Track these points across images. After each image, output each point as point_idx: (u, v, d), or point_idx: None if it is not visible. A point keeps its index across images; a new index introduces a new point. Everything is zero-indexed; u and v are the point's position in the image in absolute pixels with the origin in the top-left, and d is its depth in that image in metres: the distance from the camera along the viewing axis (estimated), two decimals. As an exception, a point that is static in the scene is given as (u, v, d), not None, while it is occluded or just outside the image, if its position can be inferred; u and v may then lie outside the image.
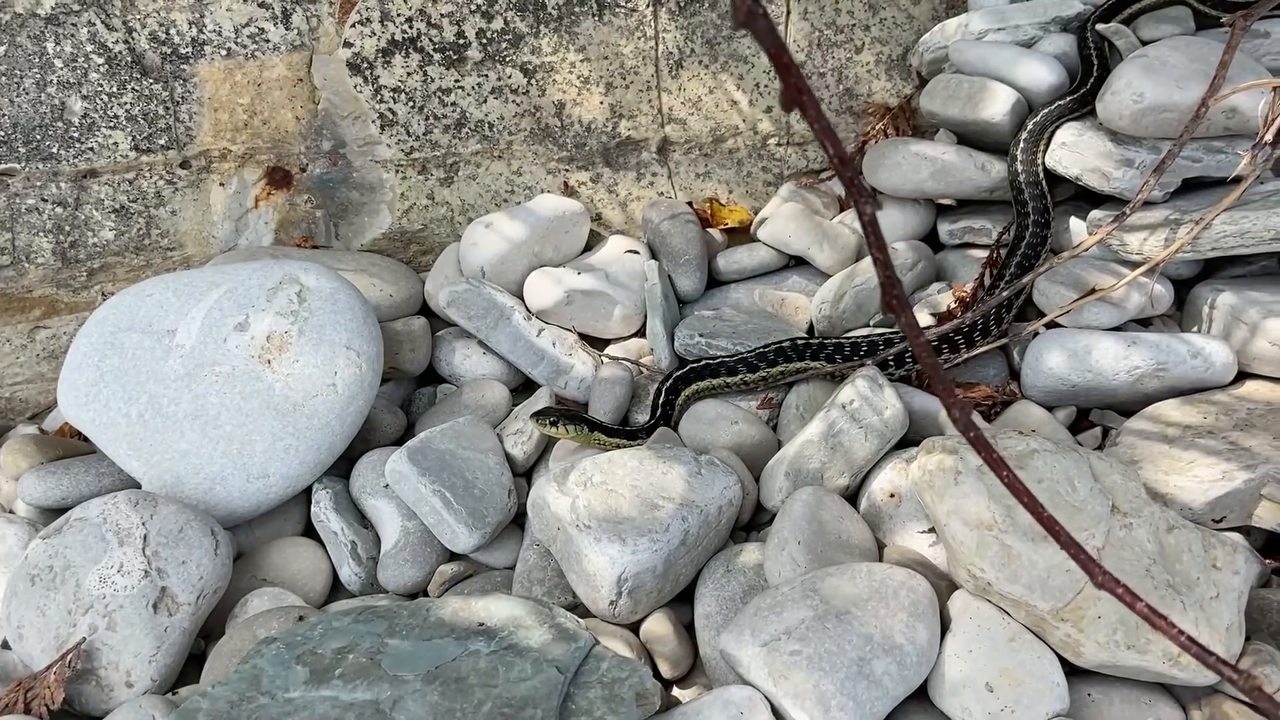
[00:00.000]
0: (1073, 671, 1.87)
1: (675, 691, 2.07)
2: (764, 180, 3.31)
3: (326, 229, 3.17)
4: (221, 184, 3.05)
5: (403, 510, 2.38)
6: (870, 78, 3.26)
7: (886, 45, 3.23)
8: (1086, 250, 2.53)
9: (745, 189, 3.30)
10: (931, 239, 3.05)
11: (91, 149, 2.90)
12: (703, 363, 2.56)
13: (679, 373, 2.56)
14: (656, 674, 2.05)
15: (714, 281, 3.05)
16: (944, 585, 2.00)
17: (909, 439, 2.35)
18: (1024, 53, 2.82)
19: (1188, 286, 2.69)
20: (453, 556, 2.37)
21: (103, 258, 3.01)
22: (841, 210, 3.18)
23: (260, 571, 2.35)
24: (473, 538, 2.27)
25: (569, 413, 2.45)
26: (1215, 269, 2.72)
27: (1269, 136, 2.15)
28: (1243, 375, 2.46)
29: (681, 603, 2.15)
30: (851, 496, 2.31)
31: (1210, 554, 1.86)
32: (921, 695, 1.85)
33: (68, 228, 2.95)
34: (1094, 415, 2.52)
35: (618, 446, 2.40)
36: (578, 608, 2.14)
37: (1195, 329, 2.59)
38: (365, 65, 3.01)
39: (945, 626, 1.89)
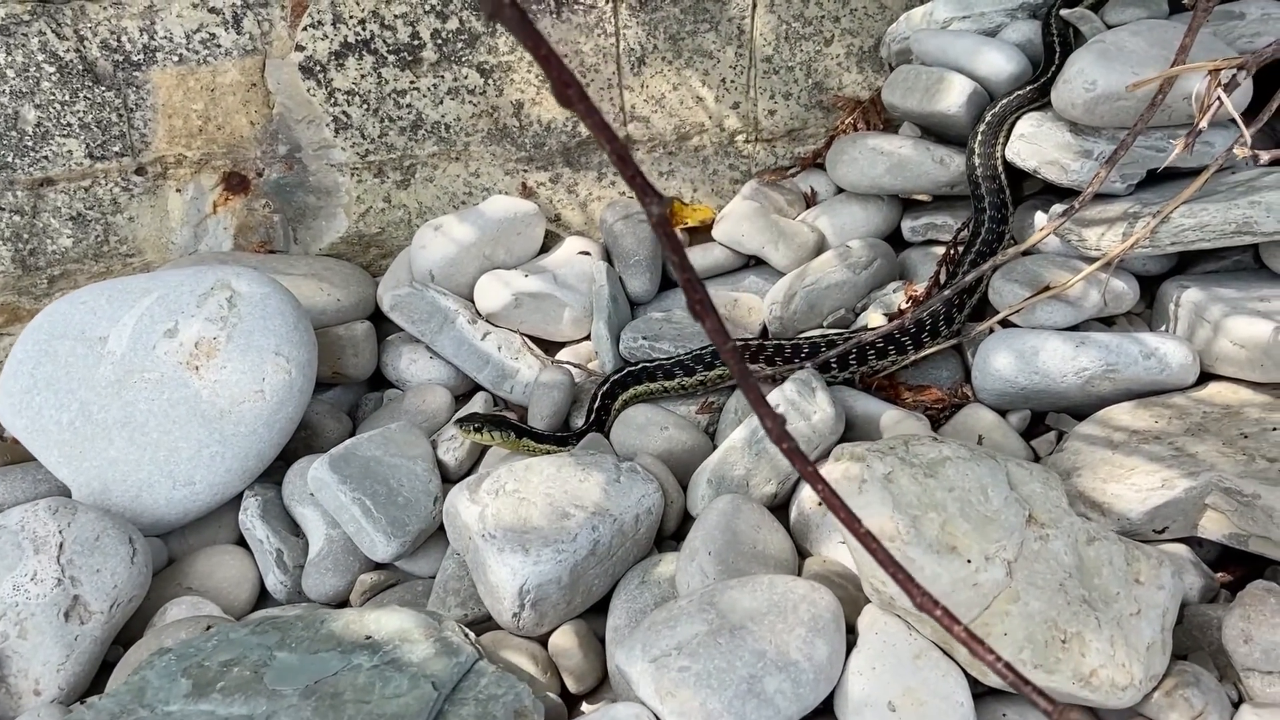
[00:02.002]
0: (989, 691, 1.77)
1: (584, 707, 2.00)
2: (731, 178, 3.23)
3: (285, 234, 3.15)
4: (178, 190, 3.05)
5: (327, 518, 2.34)
6: (840, 70, 3.16)
7: (857, 37, 3.13)
8: (1034, 246, 2.41)
9: (711, 187, 3.22)
10: (896, 237, 2.94)
11: (46, 157, 2.92)
12: (640, 366, 2.49)
13: (616, 377, 2.49)
14: (564, 689, 1.99)
15: (670, 283, 2.96)
16: (864, 598, 1.90)
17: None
18: (984, 41, 2.71)
19: (1158, 283, 2.55)
20: (376, 565, 2.33)
21: (62, 265, 3.02)
22: (807, 208, 3.08)
23: (186, 580, 2.33)
24: (391, 546, 2.23)
25: (496, 418, 2.39)
26: (1187, 264, 2.58)
27: (1203, 124, 2.02)
28: (1207, 376, 2.32)
29: (598, 614, 2.08)
30: (783, 505, 2.22)
31: (1133, 567, 1.74)
32: (827, 713, 1.76)
33: (26, 235, 2.97)
34: (1050, 419, 2.40)
35: (547, 452, 2.34)
36: (489, 620, 2.08)
37: (1163, 328, 2.46)
38: (318, 68, 2.98)
39: (854, 642, 1.80)
